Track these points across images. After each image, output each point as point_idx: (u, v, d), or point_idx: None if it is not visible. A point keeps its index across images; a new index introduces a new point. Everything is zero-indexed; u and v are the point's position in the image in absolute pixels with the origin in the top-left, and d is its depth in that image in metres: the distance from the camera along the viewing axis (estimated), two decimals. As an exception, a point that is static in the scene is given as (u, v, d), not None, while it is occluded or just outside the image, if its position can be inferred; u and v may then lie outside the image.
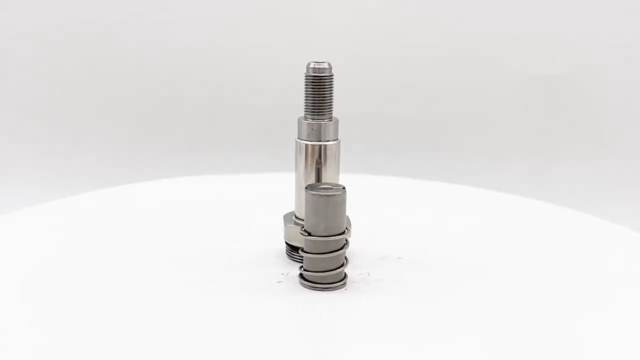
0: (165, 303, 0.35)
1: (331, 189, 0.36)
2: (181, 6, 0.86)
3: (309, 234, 0.36)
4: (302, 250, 0.37)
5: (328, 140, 0.38)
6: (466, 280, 0.39)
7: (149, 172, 0.85)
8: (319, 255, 0.36)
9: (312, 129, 0.38)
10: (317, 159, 0.39)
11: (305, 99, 0.38)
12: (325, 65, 0.38)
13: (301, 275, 0.37)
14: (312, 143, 0.38)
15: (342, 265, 0.37)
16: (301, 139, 0.39)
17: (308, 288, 0.37)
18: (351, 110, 0.85)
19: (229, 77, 0.87)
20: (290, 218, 0.40)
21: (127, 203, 0.53)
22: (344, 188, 0.36)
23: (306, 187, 0.36)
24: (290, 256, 0.40)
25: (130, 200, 0.54)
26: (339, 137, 0.39)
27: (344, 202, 0.36)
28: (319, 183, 0.38)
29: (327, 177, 0.39)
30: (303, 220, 0.39)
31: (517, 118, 0.88)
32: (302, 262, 0.38)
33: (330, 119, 0.39)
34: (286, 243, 0.41)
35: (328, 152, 0.38)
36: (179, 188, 0.58)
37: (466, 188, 0.61)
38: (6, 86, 0.85)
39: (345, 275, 0.37)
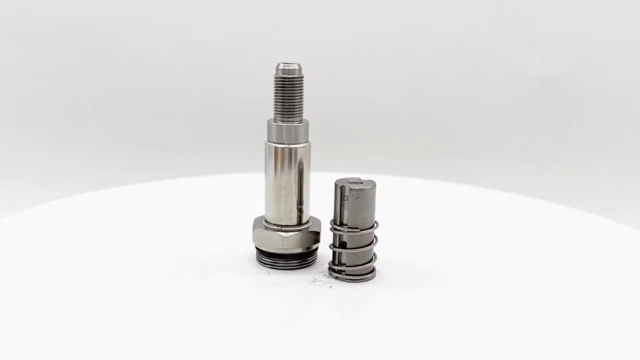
0: (186, 304, 0.35)
1: (361, 182, 0.37)
2: (181, 6, 0.85)
3: (360, 230, 0.37)
4: (342, 247, 0.37)
5: (298, 143, 0.37)
6: (468, 280, 0.39)
7: (149, 172, 0.85)
8: (366, 247, 0.37)
9: (282, 132, 0.37)
10: (301, 161, 0.38)
11: (275, 101, 0.37)
12: (295, 67, 0.37)
13: (339, 271, 0.38)
14: (282, 146, 0.37)
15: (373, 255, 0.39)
16: (271, 142, 0.38)
17: (350, 282, 0.38)
18: (351, 110, 0.85)
19: (228, 76, 0.86)
20: (260, 223, 0.39)
21: (126, 204, 0.53)
22: (362, 180, 0.37)
23: (342, 186, 0.36)
24: (261, 261, 0.40)
25: (130, 201, 0.54)
26: (309, 140, 0.38)
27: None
28: (343, 179, 0.37)
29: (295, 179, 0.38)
30: (274, 224, 0.38)
31: (517, 118, 0.87)
32: (271, 267, 0.39)
33: (301, 121, 0.38)
34: (257, 249, 0.40)
35: (298, 155, 0.37)
36: (179, 188, 0.59)
37: (465, 187, 0.62)
38: (6, 86, 0.86)
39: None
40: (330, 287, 0.37)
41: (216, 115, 0.87)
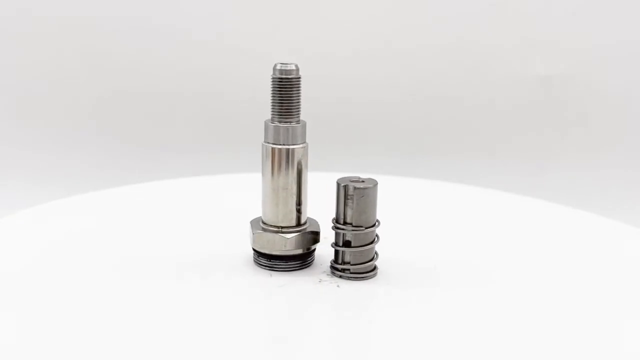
0: (187, 305, 0.35)
1: (363, 181, 0.37)
2: (181, 6, 0.85)
3: (365, 228, 0.37)
4: (346, 246, 0.37)
5: (296, 144, 0.37)
6: (468, 280, 0.39)
7: (149, 172, 0.85)
8: (370, 245, 0.38)
9: (279, 133, 0.37)
10: (299, 162, 0.38)
11: (272, 102, 0.37)
12: (292, 67, 0.37)
13: (342, 270, 0.38)
14: (279, 147, 0.37)
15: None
16: (268, 143, 0.38)
17: (354, 280, 0.38)
18: (350, 110, 0.85)
19: (228, 76, 0.86)
20: (258, 225, 0.39)
21: (126, 204, 0.53)
22: (363, 179, 0.38)
23: (345, 185, 0.37)
24: (258, 263, 0.39)
25: (130, 201, 0.54)
26: (307, 141, 0.38)
27: None
28: (344, 178, 0.38)
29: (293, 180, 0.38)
30: (274, 227, 0.38)
31: (517, 118, 0.87)
32: (269, 270, 0.38)
33: (298, 122, 0.37)
34: (256, 252, 0.39)
35: (296, 156, 0.37)
36: (179, 188, 0.59)
37: (465, 187, 0.62)
38: (6, 86, 0.86)
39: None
40: (338, 286, 0.37)
41: (216, 115, 0.87)
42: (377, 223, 0.38)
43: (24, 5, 0.84)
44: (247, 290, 0.37)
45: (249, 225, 0.40)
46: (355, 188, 0.37)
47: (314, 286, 0.37)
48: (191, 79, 0.86)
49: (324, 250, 0.40)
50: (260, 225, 0.39)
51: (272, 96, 0.37)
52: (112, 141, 0.87)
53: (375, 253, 0.39)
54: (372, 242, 0.38)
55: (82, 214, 0.50)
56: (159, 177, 0.67)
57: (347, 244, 0.38)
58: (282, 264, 0.39)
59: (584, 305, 0.36)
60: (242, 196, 0.52)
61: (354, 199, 0.37)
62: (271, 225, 0.38)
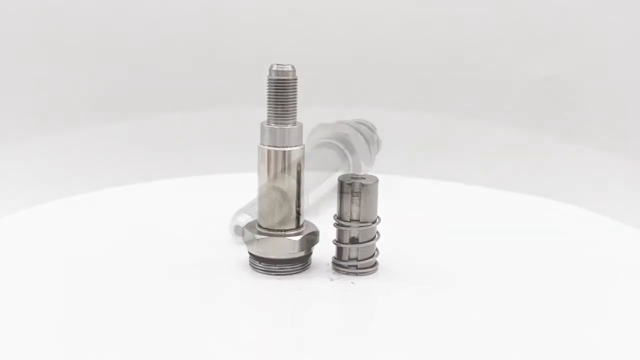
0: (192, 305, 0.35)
1: (364, 178, 0.38)
2: (181, 6, 0.85)
3: (371, 223, 0.38)
4: (353, 242, 0.38)
5: (292, 146, 0.37)
6: (469, 279, 0.39)
7: (149, 172, 0.85)
8: (374, 240, 0.39)
9: (276, 134, 0.37)
10: (297, 163, 0.38)
11: (268, 103, 0.37)
12: (289, 68, 0.37)
13: (349, 267, 0.39)
14: (275, 149, 0.37)
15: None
16: (264, 145, 0.38)
17: (359, 276, 0.39)
18: (350, 110, 0.85)
19: (227, 75, 0.86)
20: (255, 229, 0.39)
21: (126, 204, 0.53)
22: (361, 175, 0.38)
23: (350, 183, 0.37)
24: (260, 270, 0.39)
25: (130, 201, 0.54)
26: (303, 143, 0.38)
27: None
28: (345, 176, 0.38)
29: (292, 183, 0.38)
30: (277, 230, 0.38)
31: (517, 118, 0.87)
32: (266, 273, 0.39)
33: (295, 123, 0.37)
34: (251, 254, 0.39)
35: (292, 158, 0.37)
36: (179, 189, 0.59)
37: (465, 187, 0.61)
38: (5, 86, 0.86)
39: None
40: (353, 282, 0.38)
41: (216, 115, 0.87)
42: (378, 218, 0.38)
43: (24, 5, 0.84)
44: (257, 292, 0.37)
45: (244, 230, 0.39)
46: (362, 185, 0.37)
47: (329, 286, 0.37)
48: (191, 79, 0.86)
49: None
50: (258, 229, 0.39)
51: (268, 97, 0.37)
52: (112, 141, 0.87)
53: (376, 249, 0.39)
54: (375, 237, 0.39)
55: (82, 214, 0.50)
56: (159, 177, 0.67)
57: (353, 240, 0.38)
58: (288, 268, 0.38)
59: (583, 305, 0.36)
60: (242, 196, 0.52)
61: (361, 195, 0.37)
62: (272, 229, 0.38)
